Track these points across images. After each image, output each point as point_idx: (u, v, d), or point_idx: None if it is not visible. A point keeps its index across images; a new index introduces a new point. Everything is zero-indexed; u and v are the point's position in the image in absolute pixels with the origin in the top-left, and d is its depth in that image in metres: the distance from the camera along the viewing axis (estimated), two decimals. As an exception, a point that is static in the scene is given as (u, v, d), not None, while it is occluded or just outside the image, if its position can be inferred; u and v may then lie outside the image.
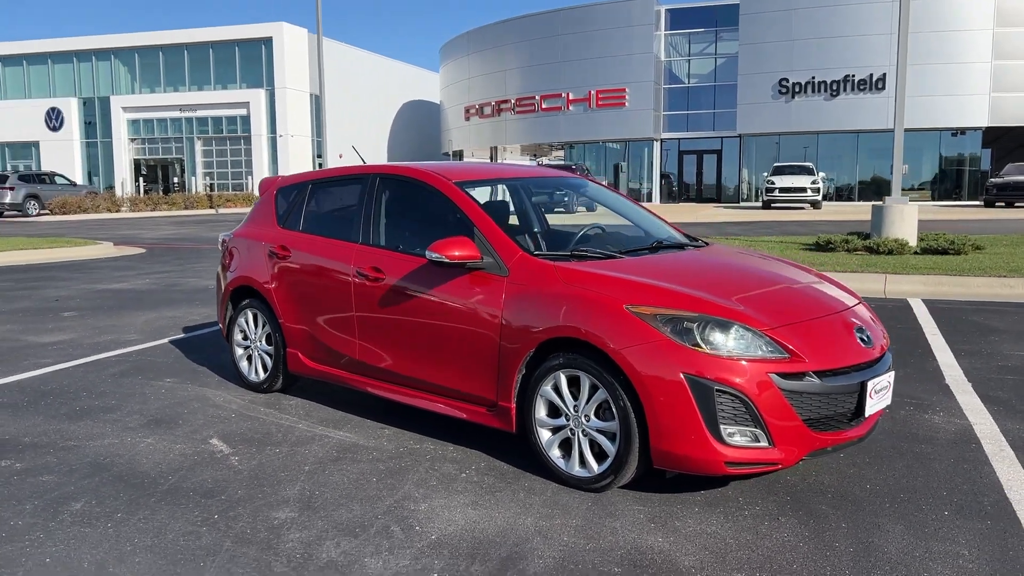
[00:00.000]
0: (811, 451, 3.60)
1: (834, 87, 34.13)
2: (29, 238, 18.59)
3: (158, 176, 47.25)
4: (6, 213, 31.96)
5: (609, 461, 3.71)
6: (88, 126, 47.93)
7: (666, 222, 5.24)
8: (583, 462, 3.81)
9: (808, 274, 4.47)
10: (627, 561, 3.12)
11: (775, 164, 32.04)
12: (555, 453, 3.91)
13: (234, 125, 45.26)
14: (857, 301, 4.24)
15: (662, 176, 39.62)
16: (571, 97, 39.09)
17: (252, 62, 44.77)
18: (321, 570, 3.06)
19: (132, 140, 47.18)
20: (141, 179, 46.36)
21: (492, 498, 3.74)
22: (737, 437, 3.48)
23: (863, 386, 3.66)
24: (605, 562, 3.12)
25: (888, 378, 3.86)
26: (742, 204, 35.71)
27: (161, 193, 41.83)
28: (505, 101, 41.97)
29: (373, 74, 51.00)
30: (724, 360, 3.47)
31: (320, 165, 48.08)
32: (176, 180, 46.37)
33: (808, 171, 30.35)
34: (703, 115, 38.47)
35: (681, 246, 4.80)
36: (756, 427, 3.47)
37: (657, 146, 38.91)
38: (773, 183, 29.65)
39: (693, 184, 40.35)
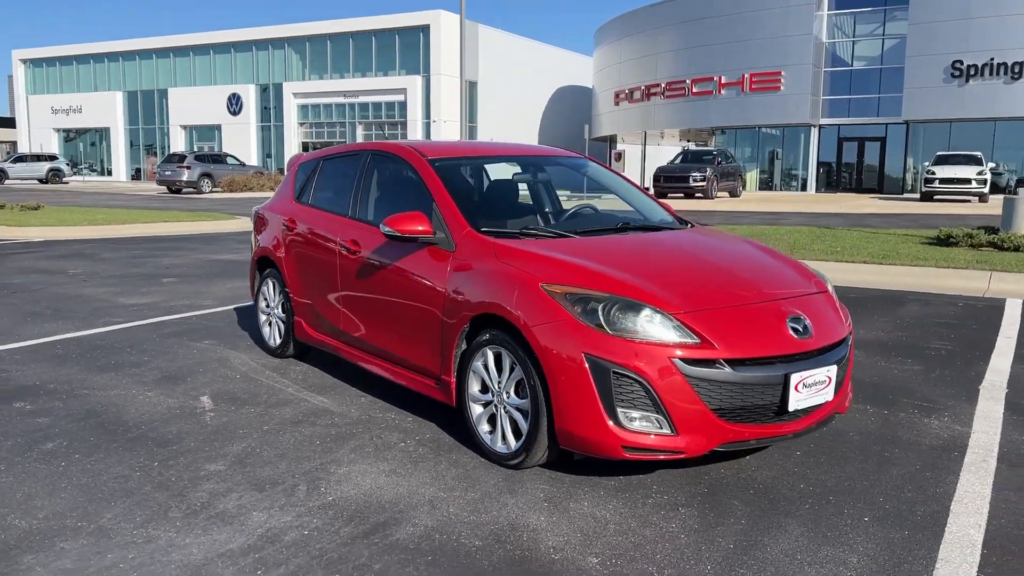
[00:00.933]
0: (723, 443, 3.44)
1: (1016, 70, 31.16)
2: (183, 212, 20.31)
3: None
4: (184, 190, 34.90)
5: (522, 439, 3.71)
6: (263, 111, 51.38)
7: (663, 205, 5.11)
8: (504, 438, 3.83)
9: (776, 261, 4.24)
10: (493, 536, 3.14)
11: (938, 153, 29.71)
12: (484, 428, 3.95)
13: (392, 111, 47.13)
14: (817, 290, 3.99)
15: (820, 164, 37.69)
16: (723, 81, 37.89)
17: (410, 49, 46.41)
18: (210, 518, 3.28)
19: (301, 124, 50.15)
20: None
21: (412, 467, 3.83)
22: (638, 422, 3.38)
23: (787, 379, 3.46)
24: (472, 535, 3.14)
25: (826, 372, 3.61)
26: (905, 195, 33.37)
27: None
28: (655, 85, 41.27)
29: (527, 60, 51.54)
30: (627, 342, 3.38)
31: (472, 149, 49.20)
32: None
33: (975, 161, 27.92)
34: (866, 100, 36.21)
35: (652, 228, 4.67)
36: (657, 413, 3.36)
37: (815, 132, 37.02)
38: (933, 173, 27.54)
39: (853, 173, 38.11)
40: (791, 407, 3.51)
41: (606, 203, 5.39)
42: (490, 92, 48.82)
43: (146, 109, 55.60)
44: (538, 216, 4.77)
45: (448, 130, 45.56)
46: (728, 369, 3.40)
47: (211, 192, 34.66)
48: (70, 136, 59.74)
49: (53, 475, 3.70)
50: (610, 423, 3.39)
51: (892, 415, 4.60)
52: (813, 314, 3.74)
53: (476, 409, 3.98)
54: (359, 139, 48.37)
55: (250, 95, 51.29)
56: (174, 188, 34.98)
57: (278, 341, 5.80)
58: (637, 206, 5.12)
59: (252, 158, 49.72)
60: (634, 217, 4.89)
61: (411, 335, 4.36)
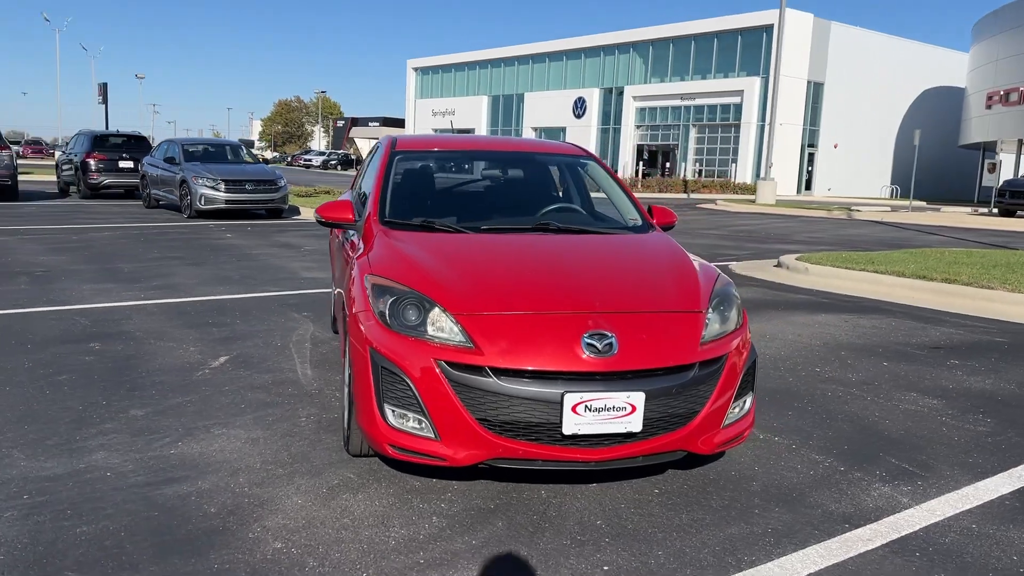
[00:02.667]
0: (492, 458, 3.24)
1: None
2: None
3: (657, 161, 50.45)
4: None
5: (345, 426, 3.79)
6: (604, 114, 53.21)
7: (640, 209, 4.74)
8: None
9: (648, 278, 3.84)
10: (220, 509, 3.32)
11: None
12: (346, 414, 4.08)
13: (727, 113, 46.04)
14: (672, 310, 3.51)
15: None
16: (1124, 80, 31.35)
17: (751, 49, 44.90)
18: (86, 443, 3.87)
19: (637, 127, 51.09)
20: (641, 164, 49.99)
21: (262, 433, 4.11)
22: (407, 422, 3.31)
23: (562, 398, 3.14)
24: (201, 504, 3.36)
25: (625, 399, 3.18)
26: None
27: (660, 177, 44.69)
28: (1035, 86, 35.39)
29: (885, 59, 47.10)
30: (401, 338, 3.33)
31: (810, 156, 46.37)
32: (668, 165, 49.05)
33: None
34: None
35: (575, 231, 4.39)
36: (420, 414, 3.27)
37: None
38: None
39: None
40: (567, 430, 3.18)
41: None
42: (838, 94, 45.51)
43: (505, 112, 60.48)
44: (473, 210, 4.72)
45: (786, 134, 43.39)
46: (493, 379, 3.19)
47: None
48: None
49: (33, 395, 4.57)
50: (379, 419, 3.36)
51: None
52: (632, 334, 3.32)
53: (345, 393, 4.12)
54: (692, 141, 48.05)
55: (594, 98, 53.38)
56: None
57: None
58: (617, 207, 4.84)
59: (590, 159, 51.82)
60: (580, 219, 4.65)
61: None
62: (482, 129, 62.01)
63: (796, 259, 10.88)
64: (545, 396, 3.16)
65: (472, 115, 62.51)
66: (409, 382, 3.26)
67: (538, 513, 3.33)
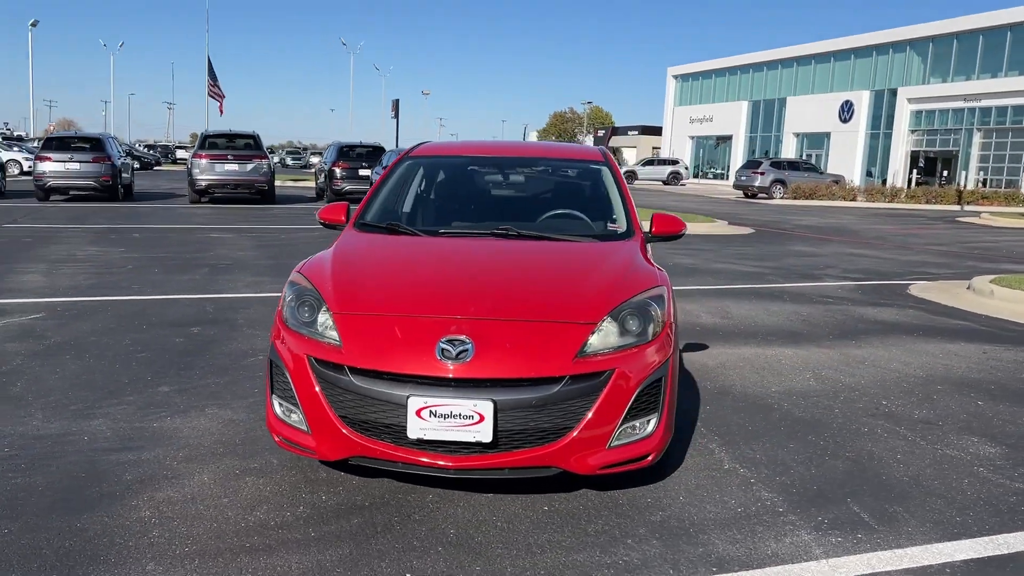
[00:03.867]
0: (354, 455, 3.32)
1: None
2: (698, 214, 21.57)
3: (935, 169, 45.71)
4: (758, 195, 36.03)
5: None
6: (874, 118, 49.14)
7: (632, 218, 4.51)
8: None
9: (556, 286, 3.68)
10: (135, 477, 3.68)
11: None
12: None
13: (1020, 115, 40.59)
14: (554, 320, 3.36)
15: None
16: None
17: (1054, 42, 39.28)
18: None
19: (912, 132, 46.58)
20: (915, 172, 45.56)
21: (244, 416, 4.45)
22: (290, 416, 3.47)
23: (407, 400, 3.14)
24: (125, 472, 3.74)
25: (473, 407, 3.11)
26: None
27: (930, 187, 40.57)
28: None
29: None
30: (290, 333, 3.51)
31: None
32: (945, 174, 44.21)
33: None
34: None
35: (525, 237, 4.29)
36: (295, 408, 3.42)
37: None
38: None
39: None
40: (412, 434, 3.16)
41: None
42: None
43: (765, 117, 57.92)
44: (455, 215, 4.75)
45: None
46: (349, 377, 3.26)
47: (781, 198, 35.06)
48: (701, 143, 65.74)
49: (107, 367, 5.32)
50: (271, 410, 3.56)
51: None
52: (494, 342, 3.22)
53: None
54: (975, 147, 42.96)
55: (862, 101, 49.49)
56: (749, 193, 36.34)
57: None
58: (614, 213, 4.65)
59: (856, 167, 48.18)
60: (560, 225, 4.52)
61: None
62: (740, 135, 59.97)
63: (989, 281, 9.51)
64: (392, 398, 3.18)
65: (731, 121, 60.63)
66: (288, 377, 3.43)
67: (402, 515, 3.34)
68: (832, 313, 8.26)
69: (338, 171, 22.73)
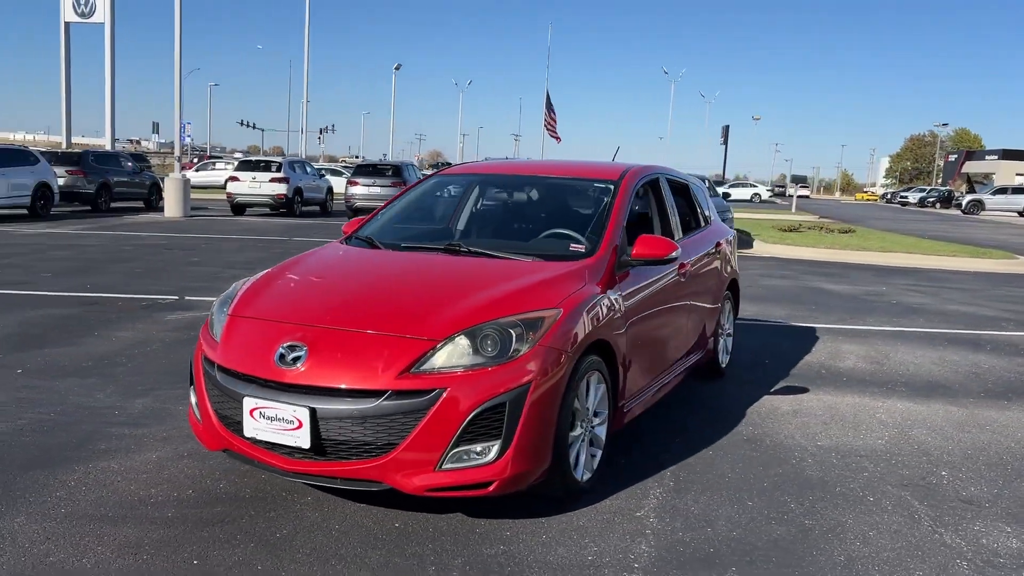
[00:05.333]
0: (225, 448, 3.55)
1: None
2: (950, 244, 18.84)
3: None
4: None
5: None
6: None
7: (603, 243, 4.22)
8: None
9: (424, 302, 3.60)
10: (83, 440, 4.23)
11: None
12: None
13: None
14: (403, 336, 3.32)
15: None
16: None
17: None
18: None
19: None
20: None
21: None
22: (197, 408, 3.74)
23: (243, 400, 3.32)
24: (88, 439, 4.30)
25: (294, 413, 3.19)
26: None
27: None
28: None
29: None
30: (204, 330, 3.83)
31: None
32: None
33: None
34: None
35: (471, 254, 4.21)
36: (198, 401, 3.71)
37: None
38: None
39: None
40: (247, 432, 3.33)
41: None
42: None
43: None
44: (429, 230, 4.80)
45: None
46: (215, 372, 3.51)
47: None
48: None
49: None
50: (190, 401, 3.90)
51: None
52: (328, 352, 3.27)
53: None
54: None
55: None
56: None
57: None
58: (585, 234, 4.38)
59: None
60: (528, 245, 4.36)
61: None
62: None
63: None
64: (234, 395, 3.38)
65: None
66: (191, 372, 3.77)
67: (259, 511, 3.48)
68: (1019, 369, 6.82)
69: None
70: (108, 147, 34.68)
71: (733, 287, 6.27)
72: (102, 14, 34.50)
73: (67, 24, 35.38)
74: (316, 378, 3.24)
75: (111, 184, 23.44)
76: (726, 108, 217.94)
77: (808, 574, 3.09)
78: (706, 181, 18.01)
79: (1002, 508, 3.80)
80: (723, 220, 16.60)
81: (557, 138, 47.05)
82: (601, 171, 4.94)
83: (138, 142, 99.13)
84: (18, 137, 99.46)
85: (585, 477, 3.72)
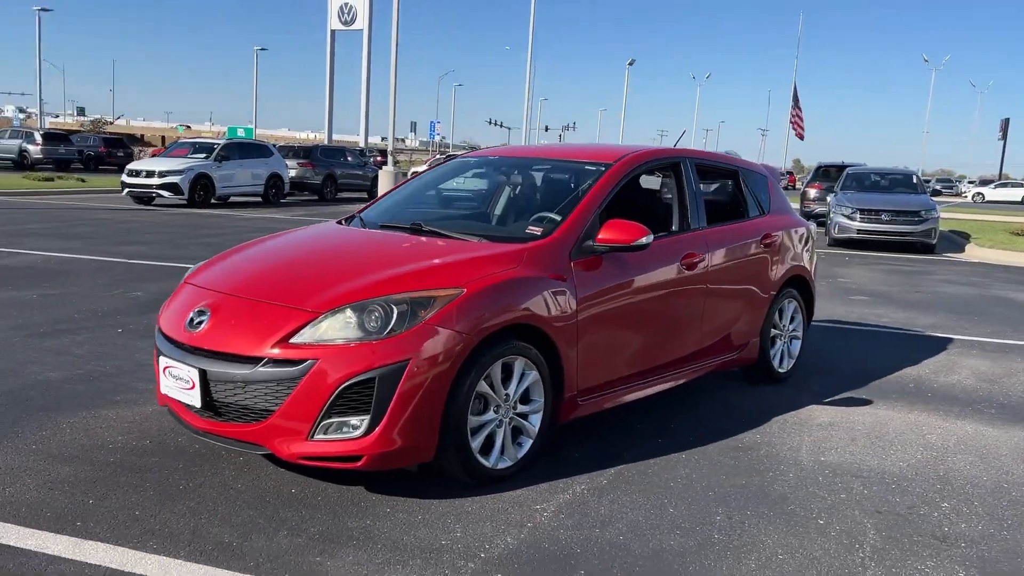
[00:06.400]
0: (164, 404, 3.80)
1: None
2: None
3: None
4: None
5: None
6: None
7: (563, 227, 4.01)
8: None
9: (338, 276, 3.63)
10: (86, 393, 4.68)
11: None
12: None
13: None
14: (300, 308, 3.38)
15: None
16: None
17: None
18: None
19: None
20: None
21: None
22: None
23: (159, 359, 3.59)
24: (96, 393, 4.75)
25: (188, 373, 3.39)
26: None
27: None
28: None
29: None
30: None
31: None
32: None
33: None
34: None
35: (427, 233, 4.12)
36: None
37: None
38: None
39: None
40: (163, 389, 3.59)
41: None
42: None
43: None
44: (411, 210, 4.78)
45: None
46: (157, 334, 3.79)
47: None
48: None
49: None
50: None
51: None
52: (225, 318, 3.45)
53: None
54: None
55: None
56: None
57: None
58: (549, 217, 4.20)
59: None
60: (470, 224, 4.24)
61: None
62: None
63: None
64: (156, 355, 3.64)
65: None
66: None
67: (190, 466, 3.72)
68: None
69: (812, 192, 21.62)
70: (362, 144, 38.08)
71: (799, 284, 5.65)
72: (362, 21, 37.81)
73: (333, 32, 39.09)
74: (208, 342, 3.41)
75: (336, 176, 25.80)
76: (1003, 98, 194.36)
77: (660, 591, 2.79)
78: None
79: (978, 551, 3.17)
80: (923, 220, 15.02)
81: (800, 135, 44.76)
82: (601, 154, 4.67)
83: (402, 140, 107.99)
84: (301, 136, 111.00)
85: (502, 465, 3.60)
